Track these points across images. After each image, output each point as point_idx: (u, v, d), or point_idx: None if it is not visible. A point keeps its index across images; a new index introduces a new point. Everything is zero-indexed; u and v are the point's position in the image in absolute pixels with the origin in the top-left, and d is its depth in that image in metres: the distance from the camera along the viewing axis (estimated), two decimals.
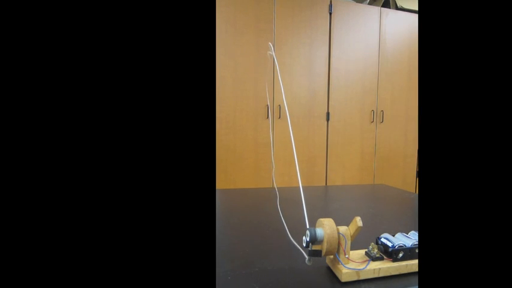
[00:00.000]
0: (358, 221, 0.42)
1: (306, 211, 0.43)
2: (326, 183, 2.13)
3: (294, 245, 0.46)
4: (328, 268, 0.46)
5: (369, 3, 2.44)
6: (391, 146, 2.27)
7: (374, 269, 0.43)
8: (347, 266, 0.42)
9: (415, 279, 0.43)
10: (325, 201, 0.93)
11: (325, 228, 0.41)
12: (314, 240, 0.41)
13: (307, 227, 0.42)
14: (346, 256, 0.42)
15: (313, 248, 0.41)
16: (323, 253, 0.41)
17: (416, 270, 0.44)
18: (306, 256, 0.41)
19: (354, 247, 0.45)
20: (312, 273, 0.45)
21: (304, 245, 0.42)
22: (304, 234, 0.41)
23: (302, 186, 0.45)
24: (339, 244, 0.42)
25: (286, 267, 0.46)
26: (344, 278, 0.42)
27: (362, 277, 0.42)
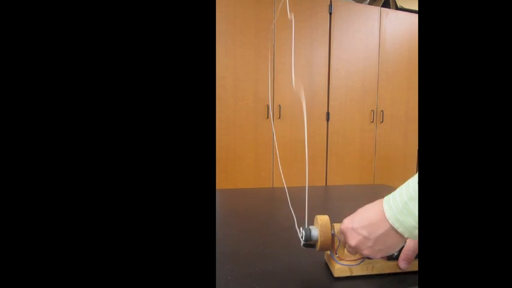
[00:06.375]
0: None
1: (307, 211, 0.44)
2: (326, 183, 2.13)
3: (293, 244, 0.46)
4: (326, 264, 0.47)
5: (369, 3, 2.44)
6: (391, 146, 2.27)
7: (367, 266, 0.44)
8: (341, 262, 0.44)
9: (415, 279, 0.43)
10: (325, 201, 0.93)
11: (320, 227, 0.43)
12: (309, 240, 0.43)
13: (306, 226, 0.43)
14: (337, 255, 0.44)
15: (308, 242, 0.44)
16: (317, 249, 0.43)
17: (414, 269, 0.44)
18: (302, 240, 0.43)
19: None
20: (312, 273, 0.45)
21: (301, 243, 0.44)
22: (300, 233, 0.43)
23: (302, 186, 0.45)
24: (332, 242, 0.43)
25: (286, 267, 0.46)
26: (336, 274, 0.43)
27: (355, 273, 0.43)
